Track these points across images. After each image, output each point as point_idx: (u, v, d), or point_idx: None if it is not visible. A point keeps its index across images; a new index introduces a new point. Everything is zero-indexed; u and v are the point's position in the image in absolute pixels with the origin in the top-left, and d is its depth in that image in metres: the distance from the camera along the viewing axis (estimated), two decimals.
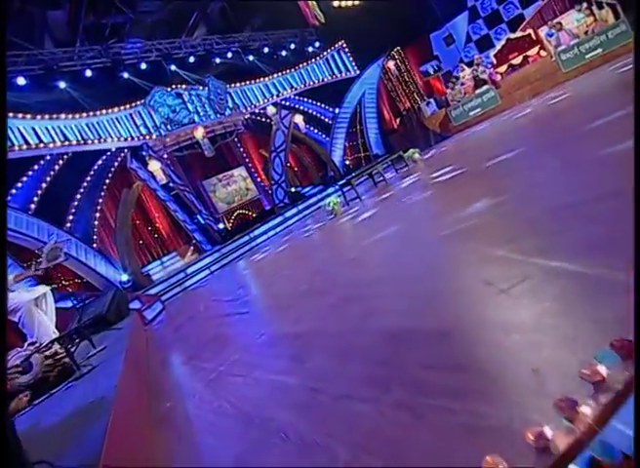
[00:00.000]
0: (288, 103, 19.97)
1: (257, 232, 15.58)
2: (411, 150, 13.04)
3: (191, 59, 17.55)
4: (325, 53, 20.57)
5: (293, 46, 20.17)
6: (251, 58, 18.97)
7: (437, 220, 5.00)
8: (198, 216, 16.32)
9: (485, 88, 16.82)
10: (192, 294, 11.19)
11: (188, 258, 16.54)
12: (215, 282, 11.32)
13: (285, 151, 18.41)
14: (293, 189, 18.57)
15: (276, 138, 18.36)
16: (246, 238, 15.25)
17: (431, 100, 18.54)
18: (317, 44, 20.77)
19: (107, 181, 15.69)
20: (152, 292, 12.48)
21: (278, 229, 15.55)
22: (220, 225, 16.40)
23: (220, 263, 13.99)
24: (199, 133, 16.44)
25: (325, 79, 20.37)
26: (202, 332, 5.68)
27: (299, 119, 18.52)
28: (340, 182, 13.31)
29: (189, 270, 14.00)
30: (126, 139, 15.46)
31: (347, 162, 20.04)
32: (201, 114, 17.57)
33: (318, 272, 5.39)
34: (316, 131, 20.31)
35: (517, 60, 17.37)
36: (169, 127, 16.63)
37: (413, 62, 20.52)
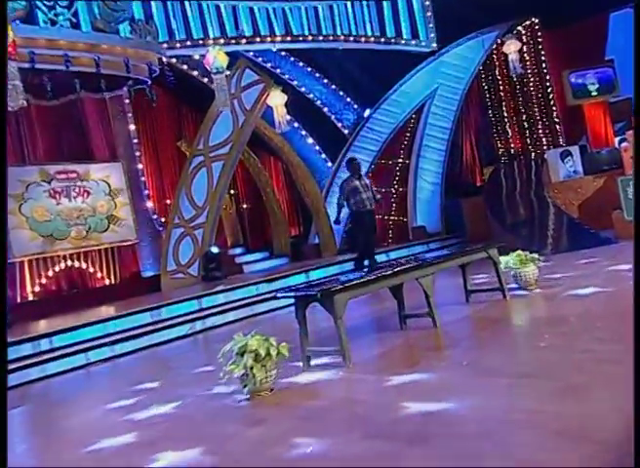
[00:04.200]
0: (265, 62, 12.55)
1: (99, 331, 7.43)
2: (519, 253, 6.87)
3: None
4: None
5: None
6: None
7: None
8: None
9: None
10: None
11: None
12: None
13: (231, 162, 10.59)
14: (215, 250, 10.41)
15: (215, 127, 10.50)
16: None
17: (574, 149, 11.42)
18: None
19: None
20: None
21: (143, 343, 7.50)
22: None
23: None
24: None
25: (363, 39, 12.92)
26: None
27: (277, 101, 10.38)
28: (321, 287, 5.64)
29: None
30: None
31: None
32: (58, 19, 9.50)
33: None
34: (311, 140, 12.88)
35: None
36: None
37: (554, 60, 12.83)
